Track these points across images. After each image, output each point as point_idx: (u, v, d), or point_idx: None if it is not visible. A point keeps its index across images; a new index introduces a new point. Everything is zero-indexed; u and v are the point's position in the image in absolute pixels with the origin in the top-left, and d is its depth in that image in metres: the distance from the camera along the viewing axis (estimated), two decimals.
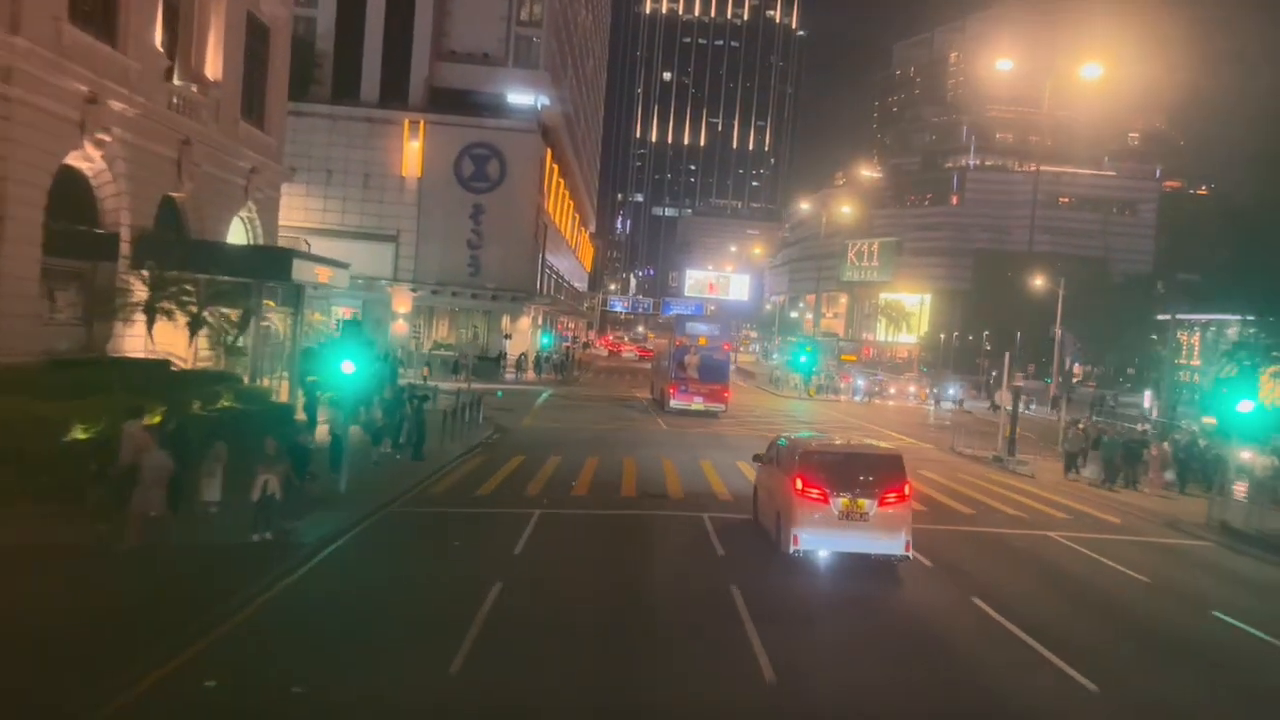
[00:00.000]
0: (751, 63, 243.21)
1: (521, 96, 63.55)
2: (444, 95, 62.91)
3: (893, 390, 71.74)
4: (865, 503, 15.24)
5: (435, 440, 27.43)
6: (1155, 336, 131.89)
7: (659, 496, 22.94)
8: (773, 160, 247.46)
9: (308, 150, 61.69)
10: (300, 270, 27.21)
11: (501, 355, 62.64)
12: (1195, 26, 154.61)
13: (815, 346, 64.38)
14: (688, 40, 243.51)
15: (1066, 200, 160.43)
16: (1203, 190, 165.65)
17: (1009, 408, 37.18)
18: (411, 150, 62.00)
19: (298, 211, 61.59)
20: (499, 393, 45.63)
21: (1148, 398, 63.63)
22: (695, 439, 34.88)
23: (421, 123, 61.90)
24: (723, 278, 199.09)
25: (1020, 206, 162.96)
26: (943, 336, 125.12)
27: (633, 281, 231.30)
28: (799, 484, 15.53)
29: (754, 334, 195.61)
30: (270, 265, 26.63)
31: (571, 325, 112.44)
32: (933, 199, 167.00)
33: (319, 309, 59.53)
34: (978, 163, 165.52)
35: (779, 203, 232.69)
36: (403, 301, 61.95)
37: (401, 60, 62.54)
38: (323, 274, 28.87)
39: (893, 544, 15.44)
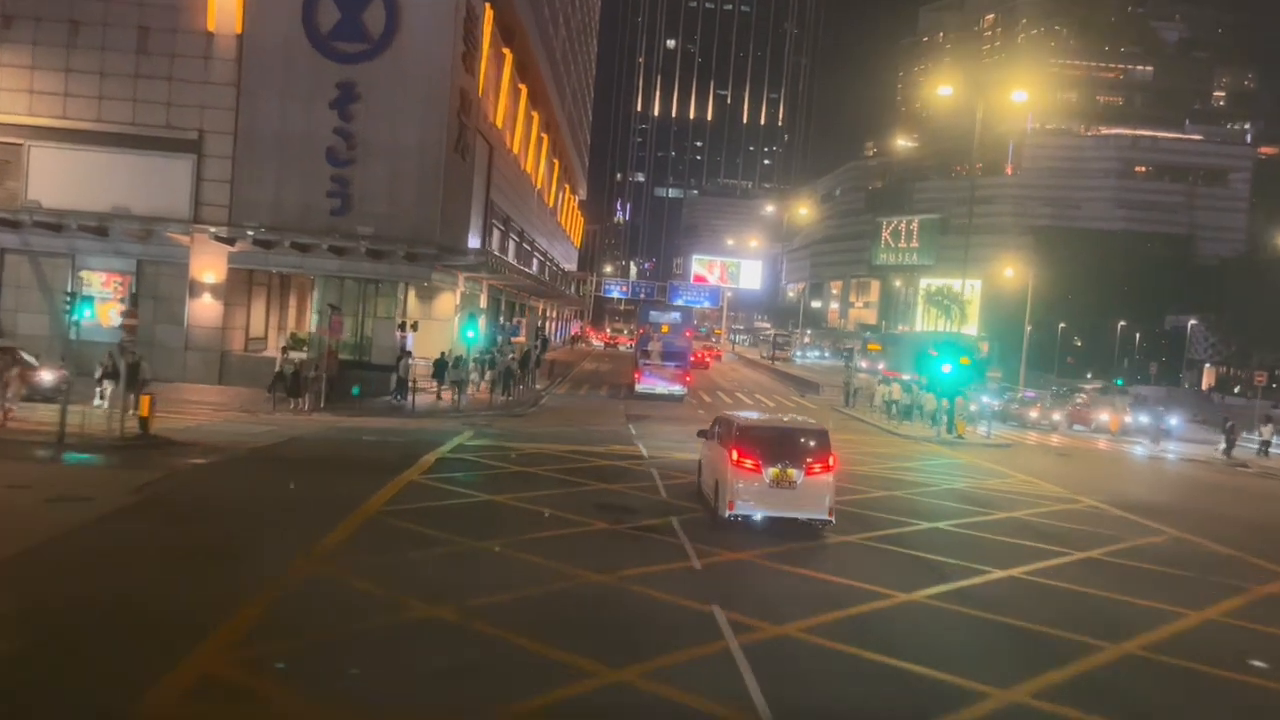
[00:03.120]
0: (763, 29, 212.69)
1: None
2: None
3: (1056, 417, 42.36)
4: (794, 472, 15.42)
5: None
6: None
7: None
8: (786, 136, 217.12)
9: None
10: None
11: (433, 363, 33.22)
12: None
13: (958, 348, 33.99)
14: (694, 4, 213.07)
15: (1143, 170, 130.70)
16: None
17: None
18: None
19: (16, 97, 32.31)
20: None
21: None
22: None
23: None
24: (733, 264, 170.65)
25: (1089, 176, 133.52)
26: (1029, 329, 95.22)
27: (633, 270, 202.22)
28: (735, 455, 15.69)
29: (767, 324, 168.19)
30: None
31: (552, 313, 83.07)
32: (984, 169, 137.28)
33: None
34: (1036, 126, 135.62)
35: (793, 182, 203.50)
36: (209, 263, 32.54)
37: None
38: None
39: (817, 509, 15.54)
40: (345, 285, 34.00)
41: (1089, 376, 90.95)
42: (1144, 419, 40.02)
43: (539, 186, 60.50)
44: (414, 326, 34.11)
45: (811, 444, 15.97)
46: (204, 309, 32.23)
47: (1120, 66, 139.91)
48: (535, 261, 64.77)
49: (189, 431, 22.29)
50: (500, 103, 44.30)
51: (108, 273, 32.68)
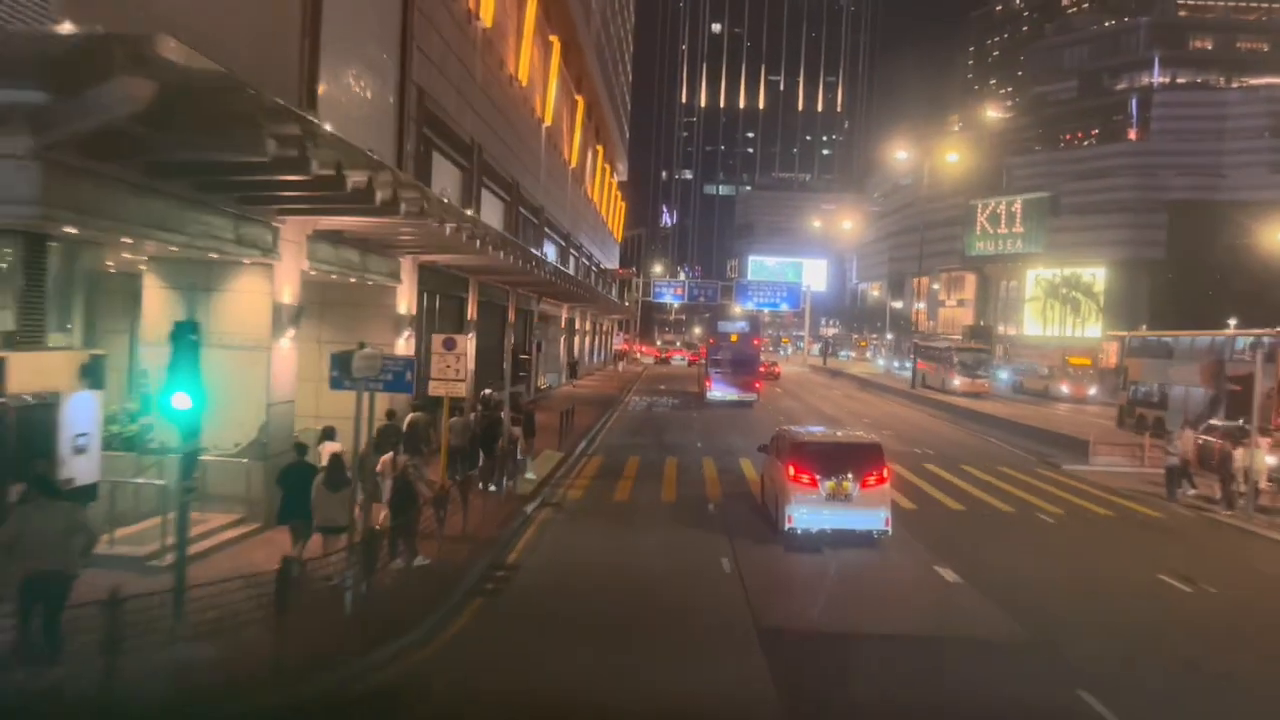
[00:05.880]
0: (817, 7, 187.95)
1: None
2: None
3: None
4: (849, 485, 15.39)
5: None
6: None
7: None
8: (846, 123, 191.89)
9: None
10: None
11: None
12: None
13: None
14: None
15: None
16: None
17: None
18: None
19: None
20: None
21: None
22: None
23: None
24: (795, 264, 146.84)
25: (1234, 137, 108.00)
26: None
27: (682, 276, 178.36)
28: (791, 470, 15.74)
29: (834, 329, 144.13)
30: None
31: (586, 324, 59.78)
32: (1100, 135, 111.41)
33: None
34: (1165, 80, 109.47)
35: (855, 171, 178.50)
36: None
37: None
38: None
39: (874, 520, 15.50)
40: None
41: None
42: None
43: (548, 121, 37.09)
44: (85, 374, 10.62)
45: (866, 456, 15.84)
46: None
47: (1260, 4, 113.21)
48: (553, 248, 41.53)
49: None
50: None
51: None
